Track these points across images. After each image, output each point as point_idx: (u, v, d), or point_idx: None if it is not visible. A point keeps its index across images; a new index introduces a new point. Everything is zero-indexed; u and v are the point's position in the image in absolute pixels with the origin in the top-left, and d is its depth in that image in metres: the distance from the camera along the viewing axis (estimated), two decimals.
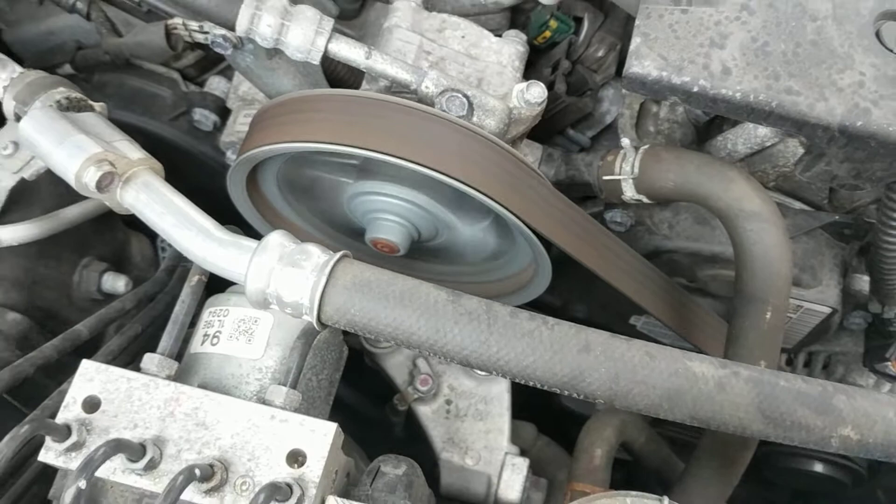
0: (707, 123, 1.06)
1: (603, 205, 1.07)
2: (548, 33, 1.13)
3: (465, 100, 0.89)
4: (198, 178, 1.07)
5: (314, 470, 0.72)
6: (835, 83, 0.84)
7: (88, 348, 0.88)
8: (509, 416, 1.12)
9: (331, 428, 0.74)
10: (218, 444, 0.73)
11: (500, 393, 1.13)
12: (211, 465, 0.71)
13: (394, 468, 0.80)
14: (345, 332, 1.15)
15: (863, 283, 1.06)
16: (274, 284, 0.73)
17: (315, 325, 0.73)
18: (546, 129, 1.13)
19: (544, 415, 1.30)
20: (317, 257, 0.74)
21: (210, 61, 1.19)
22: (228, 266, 0.75)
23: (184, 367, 0.85)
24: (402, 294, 0.72)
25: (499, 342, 0.70)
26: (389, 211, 0.96)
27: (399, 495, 0.77)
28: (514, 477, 1.08)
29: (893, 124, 0.82)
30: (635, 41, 0.85)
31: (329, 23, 0.90)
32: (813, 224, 1.03)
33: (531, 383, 0.71)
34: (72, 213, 0.92)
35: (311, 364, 0.86)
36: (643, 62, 0.84)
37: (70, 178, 0.77)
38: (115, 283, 1.00)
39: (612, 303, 1.21)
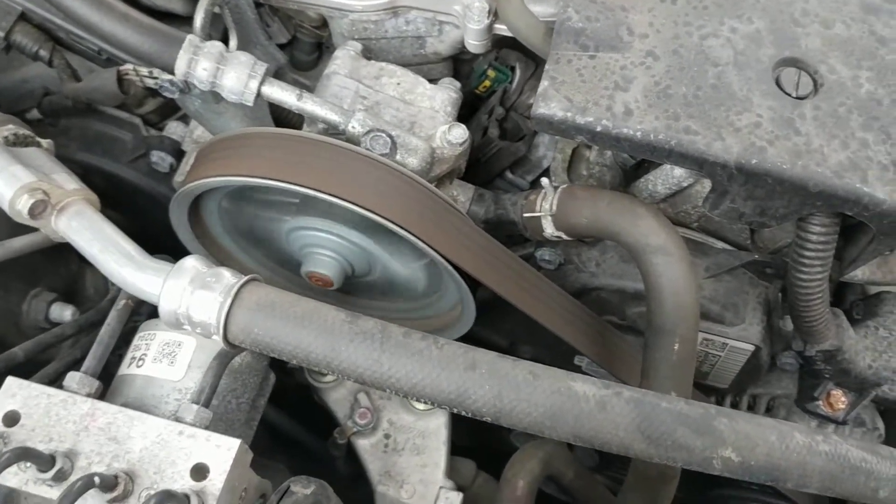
0: (634, 167, 1.10)
1: (534, 245, 1.11)
2: (487, 83, 1.19)
3: (388, 139, 0.95)
4: (156, 216, 1.13)
5: (216, 483, 0.75)
6: (732, 124, 0.88)
7: (27, 371, 0.92)
8: (446, 451, 1.14)
9: (234, 444, 0.77)
10: (127, 458, 0.77)
11: (438, 427, 1.16)
12: (116, 476, 0.74)
13: (303, 488, 0.83)
14: (289, 368, 1.20)
15: (788, 321, 1.09)
16: (185, 305, 0.78)
17: (223, 343, 0.77)
18: (484, 172, 1.18)
19: (497, 457, 1.32)
20: (226, 280, 0.78)
21: (170, 108, 1.25)
22: (145, 287, 0.80)
23: (112, 389, 0.89)
24: (302, 315, 0.76)
25: (390, 360, 0.73)
26: (323, 246, 1.01)
27: None
28: None
29: (787, 163, 0.86)
30: (543, 84, 0.90)
31: (262, 67, 0.96)
32: (734, 263, 1.06)
33: (422, 400, 0.74)
34: (19, 243, 0.97)
35: (231, 387, 0.90)
36: (549, 104, 0.89)
37: (4, 205, 0.83)
38: (63, 312, 1.05)
39: (556, 343, 1.24)
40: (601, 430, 0.72)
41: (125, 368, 0.90)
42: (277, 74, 1.22)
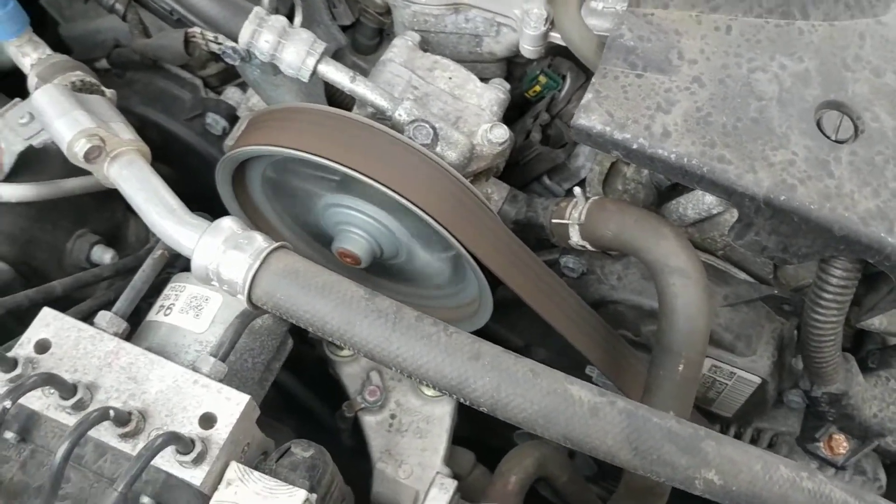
0: (669, 188, 1.12)
1: (560, 252, 1.14)
2: (538, 88, 1.21)
3: (431, 130, 0.98)
4: (204, 175, 1.18)
5: (221, 433, 0.80)
6: (767, 158, 0.90)
7: (63, 306, 0.97)
8: (448, 439, 1.18)
9: (244, 399, 0.81)
10: (143, 398, 0.82)
11: (443, 415, 1.19)
12: (129, 413, 0.79)
13: (302, 451, 0.87)
14: (311, 339, 1.24)
15: (799, 360, 1.10)
16: (216, 262, 0.82)
17: (246, 304, 0.81)
18: (522, 174, 1.21)
19: (497, 453, 1.35)
20: (258, 244, 0.82)
21: (231, 74, 1.30)
22: (182, 240, 0.84)
23: (138, 332, 0.94)
24: (323, 286, 0.79)
25: (399, 340, 0.77)
26: (357, 225, 1.05)
27: (299, 474, 0.83)
28: (439, 495, 1.12)
29: (815, 203, 0.88)
30: (587, 96, 0.92)
31: (321, 46, 1.00)
32: (753, 295, 1.07)
33: (425, 382, 0.77)
34: (71, 184, 1.02)
35: (249, 346, 0.94)
36: (590, 116, 0.91)
37: (63, 146, 0.88)
38: (104, 255, 1.10)
39: (570, 349, 1.27)
40: (590, 435, 0.75)
41: (153, 315, 0.94)
42: (337, 55, 1.26)
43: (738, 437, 1.30)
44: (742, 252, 1.08)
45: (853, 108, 0.94)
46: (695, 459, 0.75)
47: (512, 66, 1.27)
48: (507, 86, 1.13)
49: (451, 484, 1.14)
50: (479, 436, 1.38)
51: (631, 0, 0.97)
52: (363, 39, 1.31)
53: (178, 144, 1.28)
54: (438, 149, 0.98)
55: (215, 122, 1.24)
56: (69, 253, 1.11)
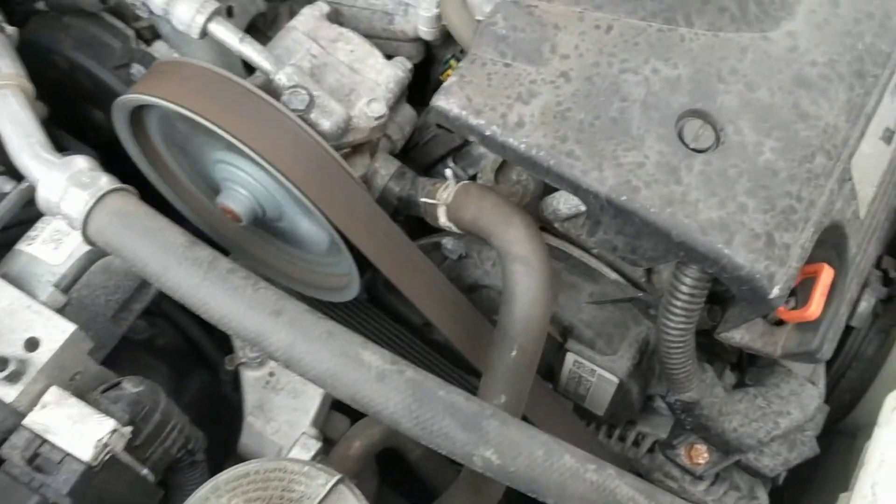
0: None
1: (443, 234, 1.16)
2: (449, 72, 1.23)
3: (307, 97, 1.01)
4: None
5: (42, 356, 0.84)
6: (617, 158, 0.91)
7: None
8: (320, 402, 1.21)
9: (70, 328, 0.86)
10: None
11: None
12: None
13: (133, 386, 0.90)
14: None
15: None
16: (58, 196, 0.86)
17: (82, 238, 0.85)
18: (421, 155, 1.23)
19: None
20: (100, 184, 0.86)
21: None
22: (33, 173, 0.89)
23: (4, 259, 0.99)
24: (148, 230, 0.83)
25: (207, 289, 0.80)
26: (239, 183, 1.08)
27: (119, 407, 0.87)
28: (300, 453, 1.16)
29: (656, 207, 0.89)
30: (450, 79, 0.94)
31: (212, 6, 1.03)
32: (619, 295, 1.09)
33: (228, 332, 0.81)
34: None
35: (103, 284, 0.98)
36: (449, 99, 0.93)
37: None
38: (4, 185, 1.15)
39: None
40: (374, 400, 0.77)
41: (19, 244, 0.99)
42: (271, 22, 1.30)
43: (622, 439, 1.30)
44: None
45: (717, 119, 0.94)
46: (474, 436, 0.77)
47: (435, 50, 1.29)
48: (409, 65, 1.15)
49: (315, 445, 1.17)
50: None
51: None
52: (298, 7, 1.33)
53: (105, 91, 1.32)
54: (313, 115, 1.01)
55: (139, 72, 1.28)
56: None
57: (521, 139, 0.91)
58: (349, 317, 1.27)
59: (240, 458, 1.19)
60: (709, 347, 1.18)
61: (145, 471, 0.92)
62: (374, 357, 0.78)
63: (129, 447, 0.89)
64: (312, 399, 1.21)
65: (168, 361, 1.26)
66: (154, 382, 0.93)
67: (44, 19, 1.31)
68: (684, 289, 0.95)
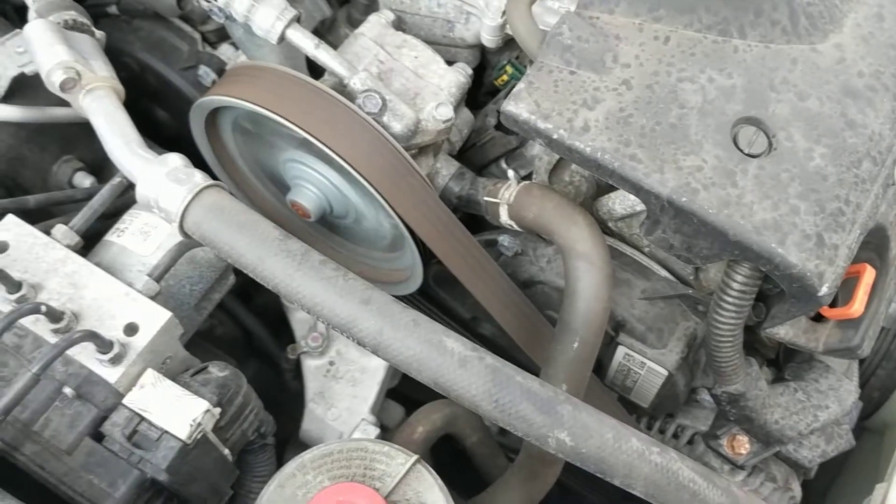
0: (607, 184, 1.19)
1: (499, 231, 1.22)
2: (505, 77, 1.29)
3: (380, 101, 1.07)
4: None
5: (141, 340, 0.90)
6: (677, 161, 0.96)
7: (35, 220, 1.08)
8: (378, 390, 1.27)
9: (166, 315, 0.92)
10: (79, 302, 0.92)
11: (377, 368, 1.28)
12: (63, 312, 0.89)
13: (219, 371, 0.96)
14: None
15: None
16: (157, 192, 0.92)
17: (179, 232, 0.91)
18: (478, 156, 1.29)
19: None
20: (195, 180, 0.92)
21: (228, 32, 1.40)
22: (133, 170, 0.95)
23: (94, 249, 1.05)
24: (243, 223, 0.89)
25: (301, 278, 0.86)
26: (310, 181, 1.14)
27: (209, 389, 0.93)
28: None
29: (714, 208, 0.94)
30: (519, 86, 1.00)
31: (291, 13, 1.09)
32: (669, 292, 1.14)
33: (319, 319, 0.86)
34: (58, 112, 1.13)
35: (189, 274, 1.04)
36: (518, 104, 0.99)
37: (43, 74, 0.98)
38: (84, 181, 1.21)
39: None
40: (457, 384, 0.83)
41: (108, 236, 1.05)
42: (329, 26, 1.36)
43: (662, 431, 1.36)
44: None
45: (770, 127, 0.99)
46: (550, 419, 0.83)
47: (490, 55, 1.35)
48: (469, 70, 1.21)
49: (374, 431, 1.23)
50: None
51: (580, 2, 1.04)
52: (355, 13, 1.39)
53: (172, 91, 1.38)
54: (385, 118, 1.07)
55: (206, 74, 1.34)
56: (53, 175, 1.22)
57: (587, 143, 0.97)
58: None
59: (301, 443, 1.25)
60: (748, 343, 1.24)
61: (226, 451, 0.98)
62: (456, 344, 0.84)
63: (214, 428, 0.95)
64: (370, 387, 1.27)
65: (226, 350, 1.32)
66: (237, 370, 0.99)
67: (115, 22, 1.37)
68: (736, 286, 1.00)
